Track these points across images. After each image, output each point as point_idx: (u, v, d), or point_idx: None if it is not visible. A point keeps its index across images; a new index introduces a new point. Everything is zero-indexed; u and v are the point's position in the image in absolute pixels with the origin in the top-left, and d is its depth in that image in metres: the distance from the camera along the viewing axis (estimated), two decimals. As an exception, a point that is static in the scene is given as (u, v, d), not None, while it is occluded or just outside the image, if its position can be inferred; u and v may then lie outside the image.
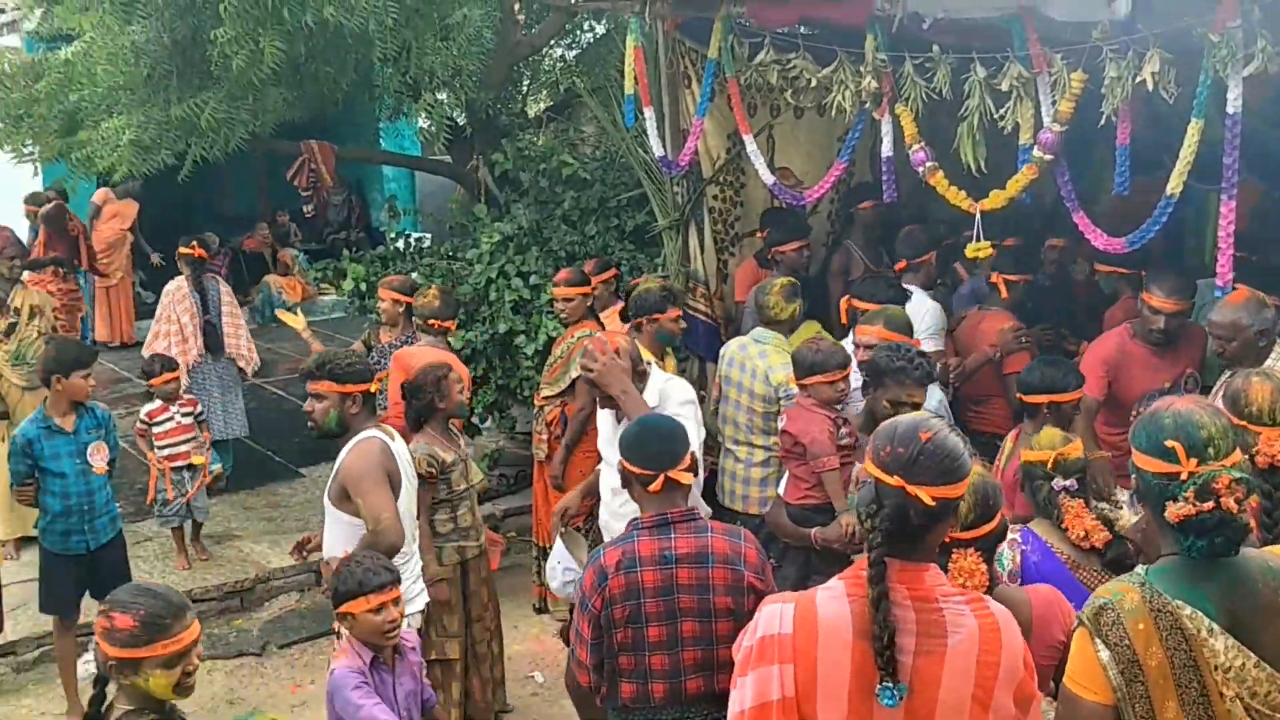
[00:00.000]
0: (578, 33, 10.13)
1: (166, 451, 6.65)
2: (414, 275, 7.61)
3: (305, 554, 4.82)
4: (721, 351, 5.63)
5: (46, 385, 5.43)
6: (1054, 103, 4.52)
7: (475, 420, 7.74)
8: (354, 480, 4.18)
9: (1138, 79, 4.21)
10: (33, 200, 9.11)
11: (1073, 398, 4.42)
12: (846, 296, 5.46)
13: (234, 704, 5.78)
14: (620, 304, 6.57)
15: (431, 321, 6.08)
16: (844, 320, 5.38)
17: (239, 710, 5.66)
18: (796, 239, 6.27)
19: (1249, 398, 3.52)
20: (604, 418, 4.66)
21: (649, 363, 4.62)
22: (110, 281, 11.59)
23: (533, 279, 7.38)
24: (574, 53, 10.34)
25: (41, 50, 8.84)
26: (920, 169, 5.00)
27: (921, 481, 2.34)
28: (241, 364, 7.93)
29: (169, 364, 6.79)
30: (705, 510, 4.31)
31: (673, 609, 3.23)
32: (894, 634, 2.30)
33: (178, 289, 7.72)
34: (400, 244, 8.89)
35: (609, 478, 4.50)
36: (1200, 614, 2.29)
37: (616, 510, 4.50)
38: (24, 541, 6.74)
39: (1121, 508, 3.62)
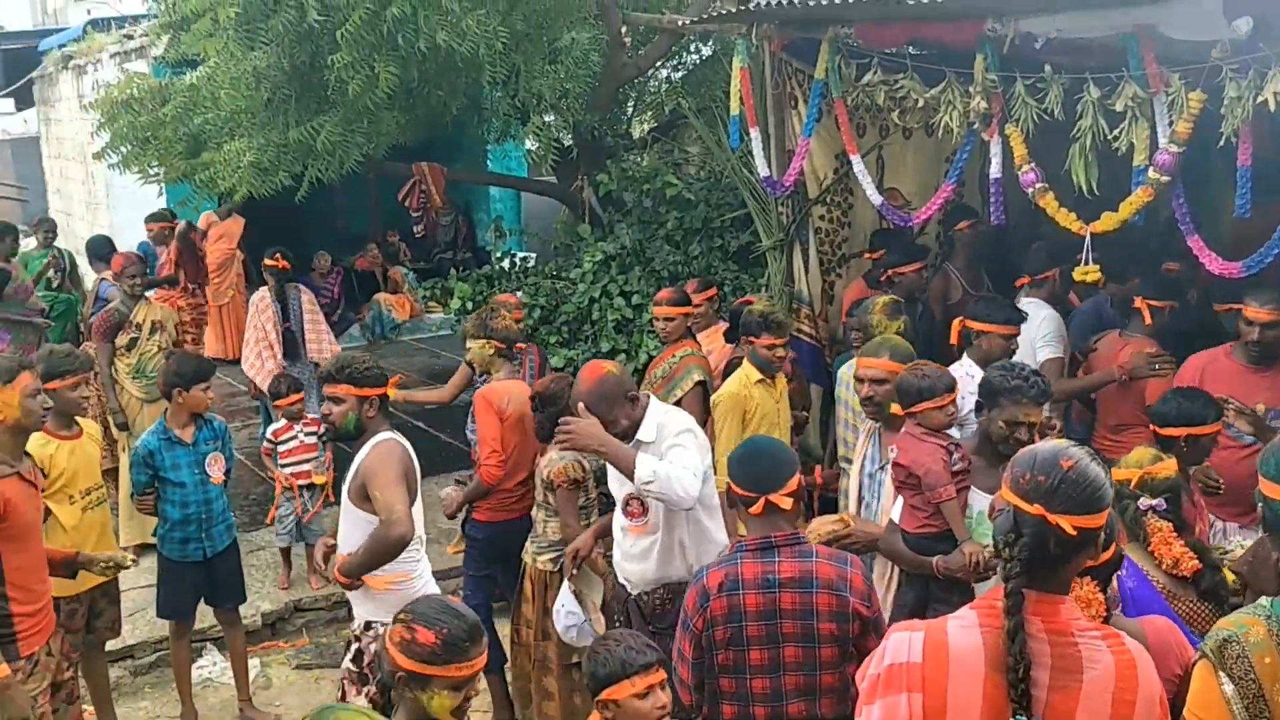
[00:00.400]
0: (684, 54, 10.19)
1: (290, 470, 6.77)
2: (519, 294, 7.72)
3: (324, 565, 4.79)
4: (837, 373, 5.61)
5: (167, 398, 5.62)
6: (1171, 123, 4.40)
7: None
8: (372, 476, 4.20)
9: (1259, 99, 4.09)
10: (154, 219, 9.45)
11: (1210, 430, 4.25)
12: (960, 318, 5.33)
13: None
14: (722, 324, 6.57)
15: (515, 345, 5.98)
16: (955, 341, 5.26)
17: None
18: (915, 261, 6.22)
19: None
20: None
21: (647, 394, 4.41)
22: (222, 300, 11.96)
23: (635, 298, 7.44)
24: (680, 74, 10.41)
25: (168, 75, 9.19)
26: (1030, 190, 4.91)
27: (1063, 510, 2.27)
28: (323, 365, 8.12)
29: (295, 385, 6.92)
30: (721, 539, 4.25)
31: (775, 633, 3.21)
32: (1030, 667, 2.24)
33: (260, 299, 8.03)
34: (506, 264, 9.04)
35: (620, 518, 4.37)
36: None
37: (628, 550, 4.36)
38: (143, 548, 6.96)
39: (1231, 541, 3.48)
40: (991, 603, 2.35)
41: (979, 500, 4.13)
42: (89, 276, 10.10)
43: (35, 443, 4.95)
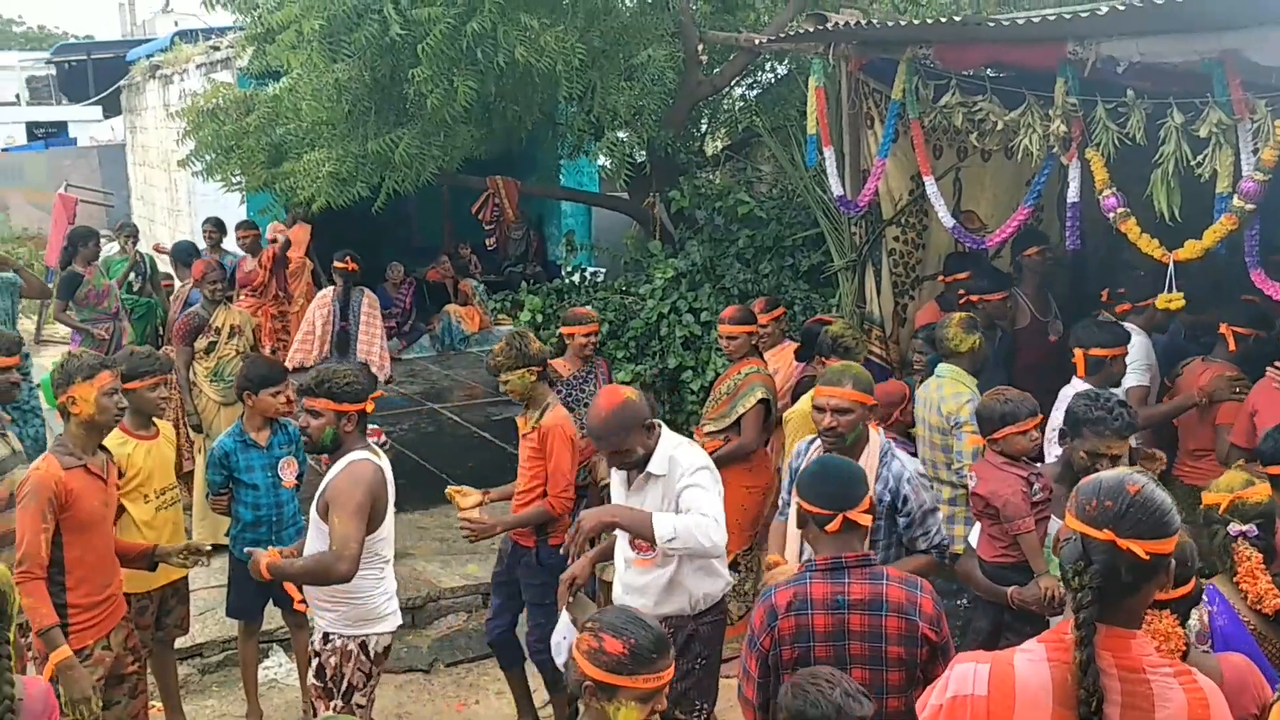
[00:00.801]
0: (759, 73, 10.20)
1: None
2: (591, 312, 7.76)
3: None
4: (915, 394, 5.58)
5: (241, 401, 5.73)
6: (1256, 151, 4.32)
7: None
8: (337, 501, 4.21)
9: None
10: (244, 226, 9.64)
11: None
12: (1079, 349, 5.14)
13: (401, 718, 5.95)
14: (790, 343, 6.55)
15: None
16: (1081, 373, 5.08)
17: (406, 725, 5.81)
18: (1002, 289, 6.17)
19: None
20: (617, 482, 4.32)
21: (660, 423, 4.30)
22: (293, 307, 12.17)
23: (704, 315, 7.44)
24: (754, 92, 10.42)
25: (252, 86, 9.39)
26: (1111, 215, 4.85)
27: (1133, 535, 2.23)
28: (374, 370, 8.38)
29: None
30: (724, 574, 4.22)
31: (843, 655, 3.19)
32: (1101, 703, 2.20)
33: (321, 296, 8.40)
34: (576, 278, 9.08)
35: (624, 548, 4.25)
36: None
37: (631, 583, 4.24)
38: (214, 549, 7.07)
39: None
40: (1060, 636, 2.30)
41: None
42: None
43: (113, 441, 5.07)
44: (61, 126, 26.12)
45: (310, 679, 4.49)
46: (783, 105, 9.26)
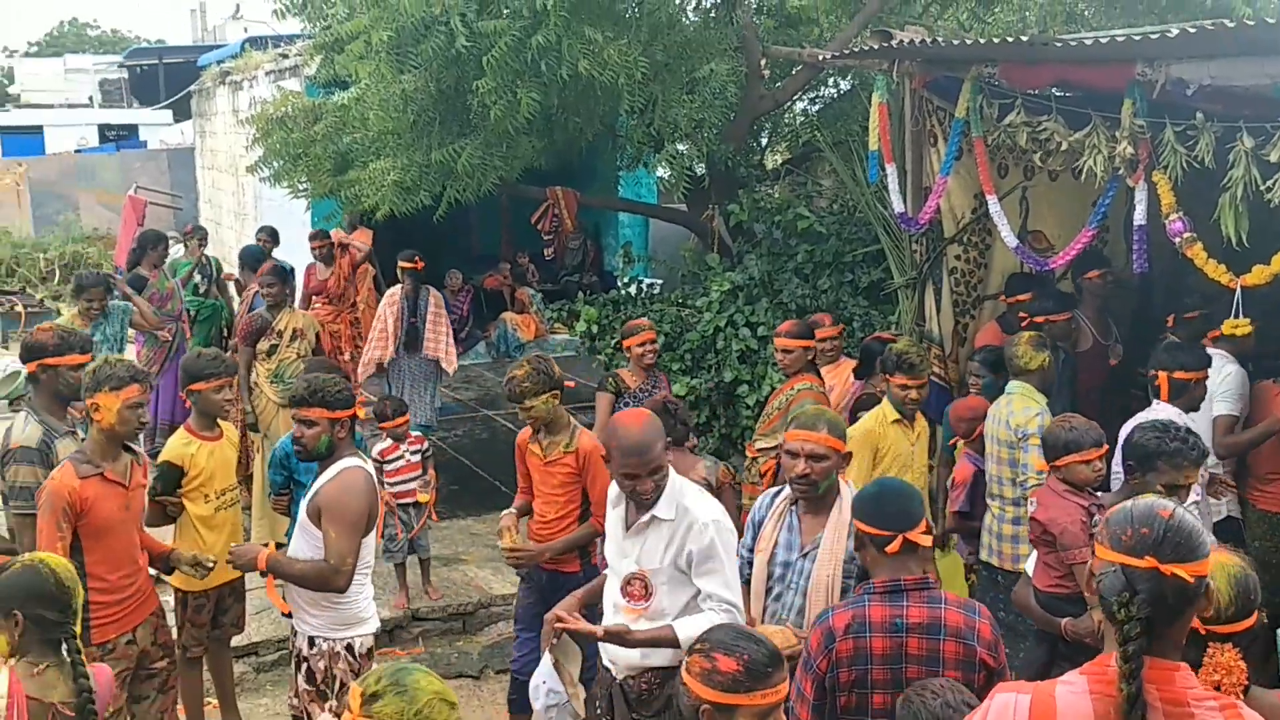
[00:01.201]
0: (821, 88, 10.19)
1: (396, 489, 6.84)
2: (647, 321, 7.79)
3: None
4: (991, 411, 5.52)
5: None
6: (1329, 176, 4.25)
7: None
8: (332, 513, 4.27)
9: None
10: (315, 237, 9.78)
11: None
12: (1162, 371, 5.06)
13: (451, 724, 5.99)
14: (848, 360, 6.53)
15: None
16: (1164, 397, 5.01)
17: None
18: (1067, 310, 6.14)
19: None
20: (612, 521, 3.97)
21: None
22: (356, 312, 12.33)
23: (761, 330, 7.43)
24: (816, 107, 10.41)
25: (320, 94, 9.53)
26: (1178, 239, 4.78)
27: (1174, 559, 2.21)
28: (444, 364, 8.82)
29: (400, 407, 7.05)
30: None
31: (900, 678, 3.17)
32: None
33: (390, 294, 8.71)
34: (632, 289, 9.11)
35: (613, 591, 3.91)
36: None
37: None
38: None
39: None
40: (1103, 668, 2.27)
41: None
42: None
43: (177, 440, 5.19)
44: (132, 129, 26.67)
45: (300, 684, 4.53)
46: (844, 120, 9.25)
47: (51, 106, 32.24)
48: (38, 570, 3.17)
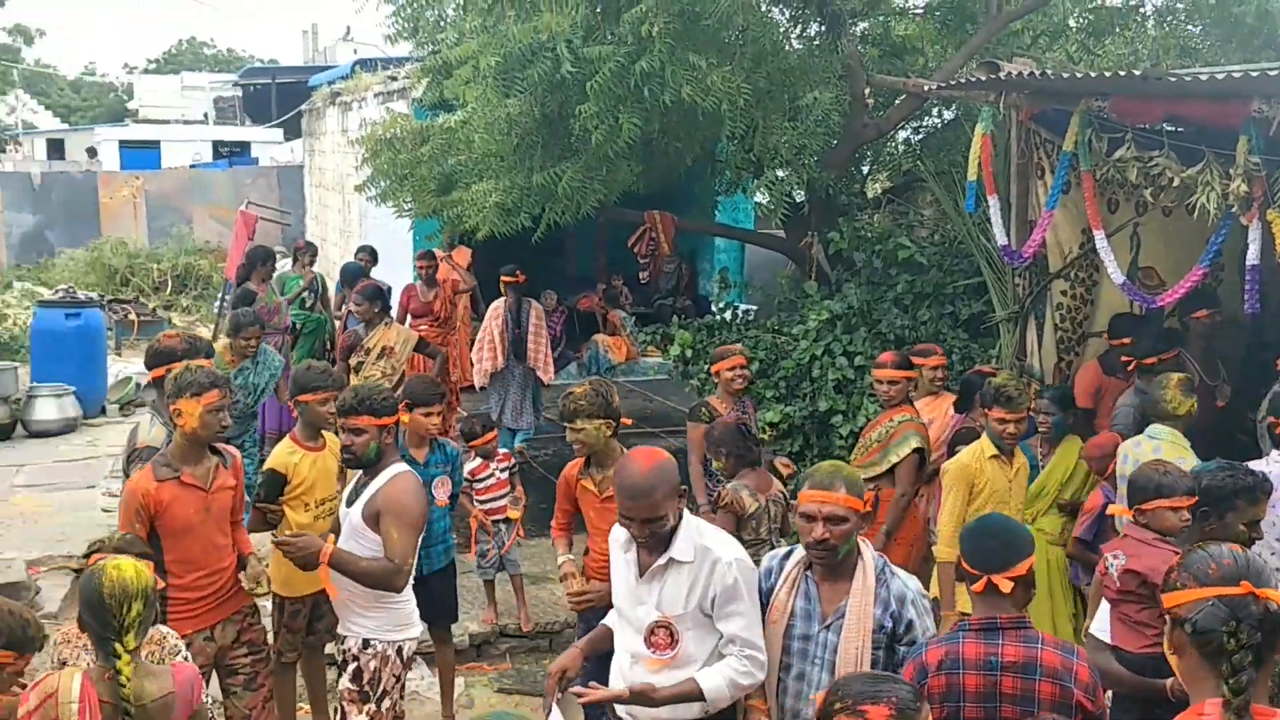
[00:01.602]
0: (924, 117, 10.11)
1: (486, 506, 6.90)
2: (739, 346, 7.77)
3: None
4: (1121, 449, 5.38)
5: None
6: None
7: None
8: (393, 514, 4.38)
9: None
10: (422, 258, 9.97)
11: None
12: (1274, 419, 4.94)
13: (535, 742, 6.03)
14: (947, 394, 6.45)
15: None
16: None
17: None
18: (1171, 348, 6.01)
19: None
20: (621, 565, 3.73)
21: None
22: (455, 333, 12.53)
23: (858, 359, 7.38)
24: (919, 136, 10.32)
25: (427, 117, 9.74)
26: (1295, 279, 4.66)
27: (1261, 584, 2.23)
28: (541, 374, 9.21)
29: (488, 424, 7.10)
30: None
31: (993, 717, 3.12)
32: None
33: (494, 307, 9.13)
34: (728, 315, 9.11)
35: (627, 639, 3.68)
36: None
37: (631, 679, 3.61)
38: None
39: None
40: (1197, 716, 2.22)
41: None
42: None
43: (282, 450, 5.32)
44: (245, 146, 27.53)
45: (345, 683, 4.59)
46: (948, 150, 9.16)
47: (168, 122, 33.44)
48: (90, 579, 3.24)
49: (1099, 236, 5.65)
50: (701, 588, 3.48)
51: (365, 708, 4.53)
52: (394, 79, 13.27)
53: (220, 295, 14.19)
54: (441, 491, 5.85)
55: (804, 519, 3.44)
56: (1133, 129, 5.42)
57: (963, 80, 6.54)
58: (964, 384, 6.07)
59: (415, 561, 4.44)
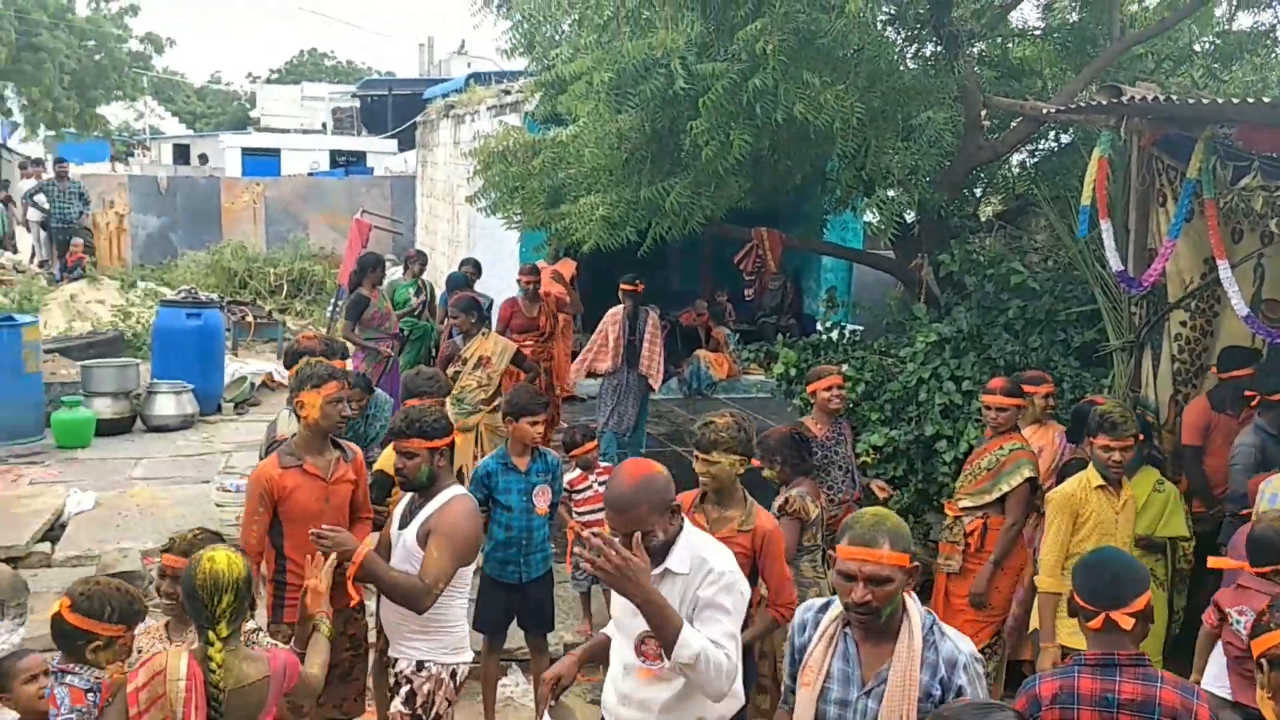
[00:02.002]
0: (1040, 140, 9.91)
1: (585, 518, 6.87)
2: (844, 367, 7.70)
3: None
4: (1261, 487, 5.23)
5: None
6: None
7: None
8: (442, 534, 4.32)
9: None
10: (525, 272, 10.10)
11: None
12: None
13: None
14: (1055, 424, 6.31)
15: None
16: None
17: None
18: None
19: None
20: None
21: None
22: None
23: (965, 384, 7.25)
24: (1034, 160, 10.12)
25: (539, 131, 9.87)
26: None
27: None
28: (650, 381, 9.52)
29: (588, 434, 7.11)
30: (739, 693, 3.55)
31: (1107, 755, 3.05)
32: None
33: (613, 312, 9.48)
34: (834, 334, 9.03)
35: (622, 650, 3.62)
36: None
37: (629, 694, 3.59)
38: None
39: None
40: None
41: None
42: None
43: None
44: (360, 156, 28.17)
45: (397, 706, 4.56)
46: (1064, 175, 8.96)
47: (287, 131, 34.40)
48: (191, 566, 3.38)
49: (1223, 266, 5.48)
50: (693, 596, 3.41)
51: None
52: (507, 93, 13.47)
53: (333, 300, 14.56)
54: (541, 500, 5.91)
55: (842, 578, 3.06)
56: (1259, 157, 5.26)
57: (1082, 104, 6.40)
58: (1075, 414, 5.93)
59: (444, 588, 4.34)
